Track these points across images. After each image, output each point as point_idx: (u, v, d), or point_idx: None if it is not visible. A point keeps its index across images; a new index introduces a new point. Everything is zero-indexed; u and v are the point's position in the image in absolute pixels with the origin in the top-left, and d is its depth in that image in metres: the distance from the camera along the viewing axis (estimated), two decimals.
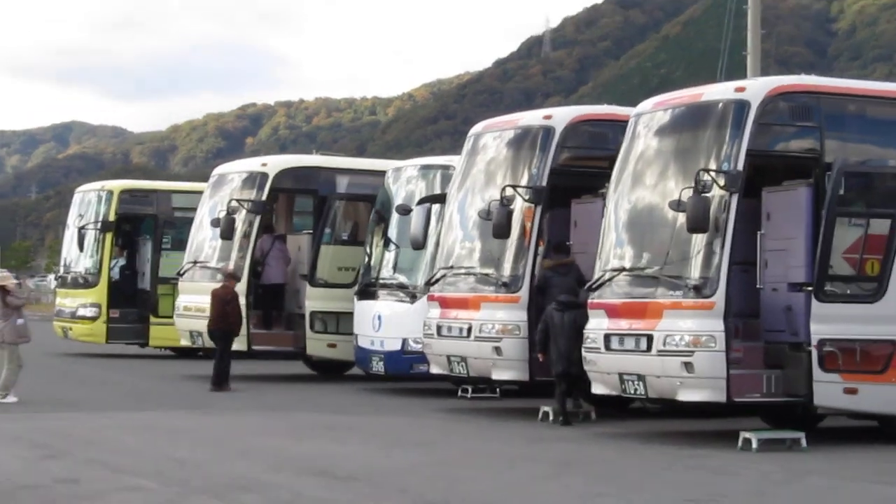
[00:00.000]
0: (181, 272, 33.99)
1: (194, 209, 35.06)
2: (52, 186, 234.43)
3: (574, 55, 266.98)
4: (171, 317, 34.85)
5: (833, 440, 20.93)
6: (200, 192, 35.79)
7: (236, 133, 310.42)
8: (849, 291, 20.03)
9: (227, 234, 31.61)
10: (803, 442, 19.77)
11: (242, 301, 30.42)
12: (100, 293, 39.22)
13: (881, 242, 20.02)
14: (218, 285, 30.40)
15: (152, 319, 38.75)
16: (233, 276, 30.41)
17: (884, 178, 20.43)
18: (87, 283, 39.69)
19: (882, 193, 20.33)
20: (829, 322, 19.62)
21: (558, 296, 22.75)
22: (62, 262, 43.55)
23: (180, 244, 36.14)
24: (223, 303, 29.55)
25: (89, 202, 40.85)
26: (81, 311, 39.23)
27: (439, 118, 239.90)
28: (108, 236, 39.49)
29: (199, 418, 23.89)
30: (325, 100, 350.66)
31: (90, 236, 39.85)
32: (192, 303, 32.57)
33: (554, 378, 22.63)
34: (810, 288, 19.63)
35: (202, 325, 31.56)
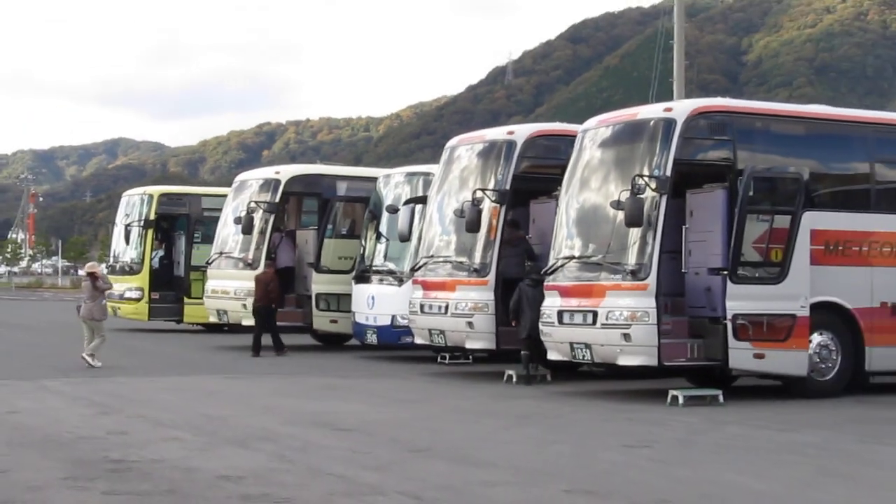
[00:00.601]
0: (209, 261, 34.16)
1: (220, 209, 35.18)
2: (103, 191, 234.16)
3: (532, 82, 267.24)
4: (201, 298, 34.94)
5: (745, 396, 20.97)
6: (225, 196, 35.92)
7: (255, 147, 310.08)
8: (757, 275, 20.06)
9: (248, 229, 31.95)
10: (721, 398, 19.86)
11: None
12: (143, 279, 39.33)
13: (783, 235, 20.07)
14: (238, 272, 31.41)
15: (186, 300, 38.82)
16: (271, 263, 31.11)
17: (785, 182, 20.46)
18: (132, 270, 39.76)
19: (784, 194, 20.38)
20: (742, 300, 19.69)
21: (510, 264, 23.48)
22: (112, 254, 43.62)
23: (209, 238, 36.30)
24: (265, 284, 29.94)
25: (133, 204, 40.96)
26: (128, 294, 39.35)
27: (421, 134, 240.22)
28: (150, 232, 39.60)
29: (227, 381, 23.91)
30: (328, 119, 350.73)
31: (134, 232, 40.07)
32: (219, 286, 32.81)
33: (519, 343, 22.77)
34: (726, 272, 19.68)
35: (228, 304, 32.24)
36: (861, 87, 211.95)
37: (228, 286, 32.49)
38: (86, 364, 25.84)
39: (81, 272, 29.97)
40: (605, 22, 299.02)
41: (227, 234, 33.74)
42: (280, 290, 30.83)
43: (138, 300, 39.42)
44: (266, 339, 29.87)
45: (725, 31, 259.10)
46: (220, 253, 33.73)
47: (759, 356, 19.95)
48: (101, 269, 29.15)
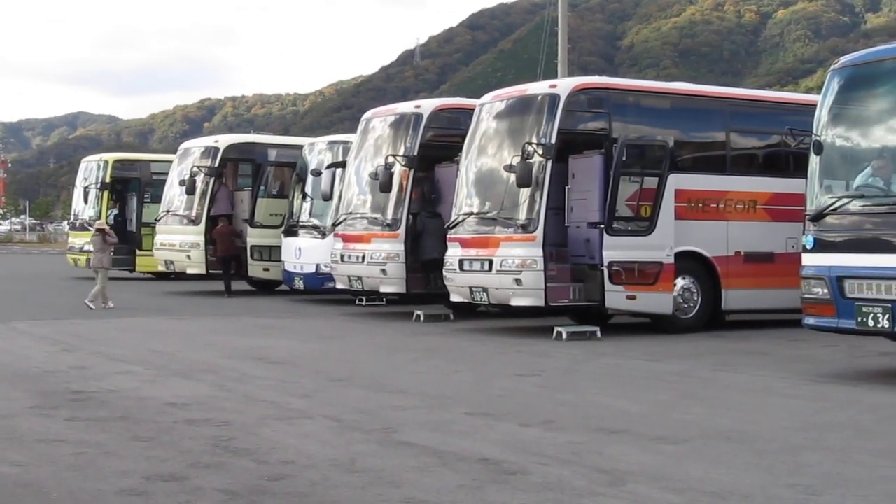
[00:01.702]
0: (158, 218, 34.24)
1: (167, 173, 35.15)
2: (65, 159, 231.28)
3: (436, 63, 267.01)
4: (151, 250, 34.94)
5: (619, 332, 21.12)
6: (171, 162, 35.71)
7: (197, 119, 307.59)
8: (629, 228, 20.17)
9: (191, 190, 32.14)
10: (598, 333, 20.00)
11: (194, 239, 31.89)
12: None
13: (652, 194, 20.22)
14: (183, 227, 32.08)
15: (138, 252, 38.50)
16: (228, 218, 31.74)
17: (653, 149, 20.61)
18: (91, 226, 39.34)
19: (652, 159, 20.50)
20: (616, 249, 19.82)
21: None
22: (73, 213, 43.25)
23: (157, 199, 36.16)
24: (228, 237, 31.30)
25: (91, 169, 40.61)
26: (87, 247, 38.95)
27: (341, 108, 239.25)
28: (105, 193, 39.36)
29: (173, 322, 23.79)
30: (261, 95, 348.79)
31: (92, 194, 39.91)
32: (167, 240, 32.94)
33: (422, 265, 23.62)
34: (602, 225, 19.80)
35: (174, 255, 32.60)
36: (718, 69, 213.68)
37: (175, 240, 32.71)
38: (104, 306, 26.67)
39: (91, 228, 30.10)
40: (499, 11, 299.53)
41: (173, 194, 33.74)
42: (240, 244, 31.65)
43: None
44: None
45: (603, 19, 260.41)
46: (168, 211, 33.74)
47: (632, 297, 20.14)
48: (106, 225, 29.95)
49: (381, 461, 9.49)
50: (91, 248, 28.73)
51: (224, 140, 34.33)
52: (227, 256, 31.59)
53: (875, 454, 9.82)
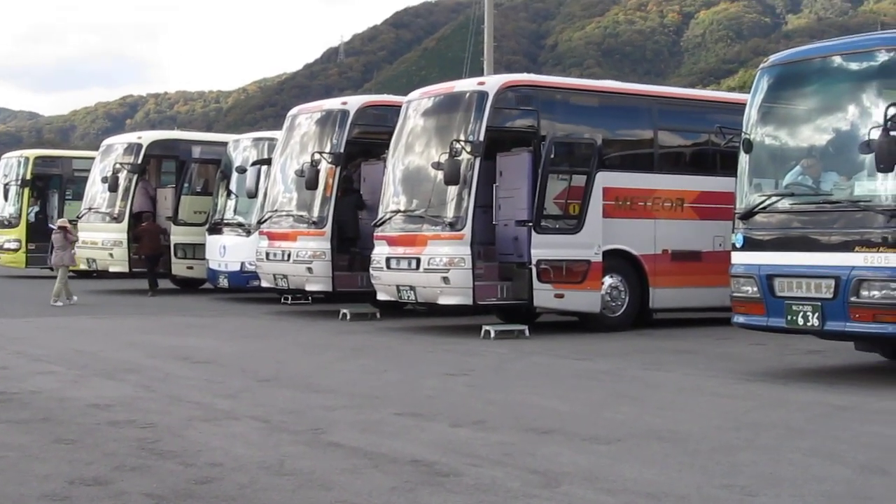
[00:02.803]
0: (80, 216, 33.59)
1: (89, 170, 34.67)
2: None
3: (360, 61, 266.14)
4: None
5: (548, 331, 21.08)
6: (93, 158, 35.21)
7: (119, 116, 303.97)
8: (557, 226, 20.13)
9: (114, 188, 31.77)
10: (527, 332, 19.95)
11: (118, 237, 31.47)
12: (20, 231, 38.45)
13: (580, 192, 20.20)
14: (105, 224, 31.57)
15: None
16: (151, 215, 31.67)
17: (581, 147, 20.58)
18: (10, 224, 38.87)
19: (580, 157, 20.48)
20: (544, 247, 19.76)
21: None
22: None
23: (79, 196, 35.53)
24: (156, 233, 31.14)
25: (12, 166, 39.88)
26: (7, 245, 38.69)
27: (265, 106, 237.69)
28: (26, 190, 38.72)
29: (96, 320, 23.42)
30: (184, 92, 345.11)
31: (13, 191, 39.23)
32: (89, 238, 32.28)
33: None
34: (530, 224, 19.73)
35: (96, 253, 32.02)
36: (641, 68, 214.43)
37: (97, 237, 32.16)
38: (66, 302, 27.11)
39: (53, 226, 29.97)
40: (423, 10, 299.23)
41: (96, 191, 33.27)
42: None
43: (16, 250, 38.60)
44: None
45: (527, 18, 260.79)
46: (90, 208, 33.27)
47: (560, 296, 20.08)
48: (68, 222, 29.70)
49: (311, 463, 9.31)
50: (54, 245, 28.68)
51: (147, 136, 33.94)
52: (153, 255, 31.25)
53: (807, 453, 9.77)
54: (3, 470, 9.06)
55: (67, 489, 8.41)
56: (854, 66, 14.41)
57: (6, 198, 39.61)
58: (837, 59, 14.67)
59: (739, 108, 20.81)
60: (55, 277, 37.43)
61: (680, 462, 9.38)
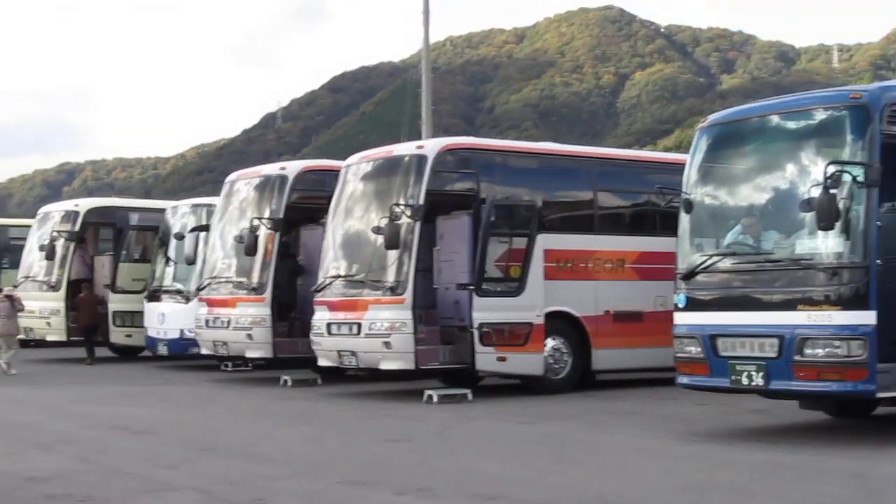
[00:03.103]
0: (16, 284, 32.89)
1: (25, 238, 34.29)
2: None
3: (298, 126, 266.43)
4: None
5: (491, 394, 20.93)
6: (30, 226, 34.92)
7: (56, 183, 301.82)
8: (499, 289, 20.06)
9: (51, 255, 31.49)
10: (470, 396, 19.84)
11: (54, 305, 31.00)
12: None
13: (521, 254, 20.17)
14: (42, 293, 30.65)
15: None
16: (89, 283, 31.17)
17: (521, 209, 20.55)
18: None
19: (521, 219, 20.42)
20: (486, 310, 19.68)
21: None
22: None
23: (16, 264, 35.13)
24: (94, 305, 30.87)
25: None
26: None
27: (203, 171, 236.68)
28: None
29: (33, 390, 23.11)
30: (121, 159, 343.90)
31: None
32: (26, 306, 31.79)
33: None
34: (472, 287, 19.66)
35: (34, 322, 31.44)
36: (578, 130, 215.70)
37: (34, 306, 31.42)
38: (9, 374, 26.76)
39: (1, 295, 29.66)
40: (361, 74, 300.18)
41: (32, 260, 32.92)
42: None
43: None
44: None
45: (464, 82, 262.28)
46: (27, 277, 32.84)
47: (502, 359, 20.00)
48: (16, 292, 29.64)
49: None
50: None
51: (84, 204, 33.70)
52: (90, 325, 31.00)
53: None
54: None
55: None
56: (792, 124, 14.48)
57: None
58: (776, 118, 14.74)
59: (678, 167, 20.91)
60: None
61: None
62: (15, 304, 27.88)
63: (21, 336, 30.51)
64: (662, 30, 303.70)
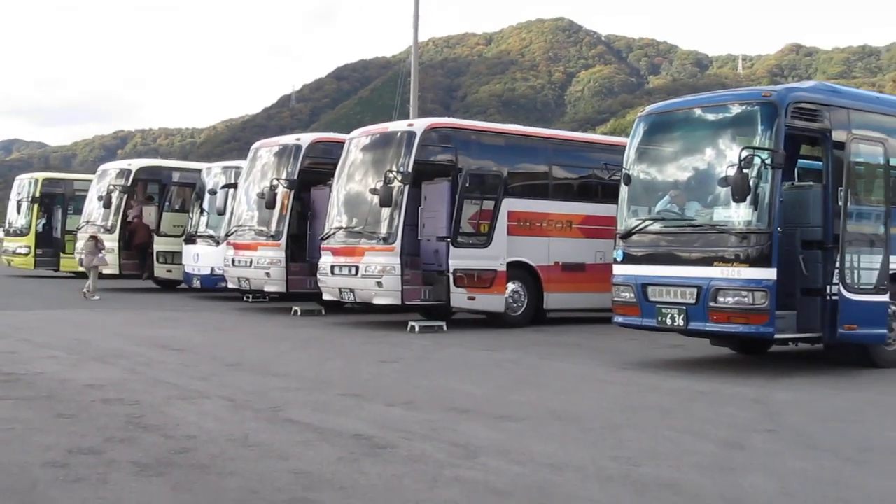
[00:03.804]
0: (79, 227, 32.84)
1: (87, 190, 33.94)
2: (1, 177, 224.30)
3: (308, 106, 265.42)
4: (73, 254, 33.80)
5: (461, 326, 20.78)
6: (90, 181, 34.55)
7: (112, 147, 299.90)
8: (471, 242, 19.87)
9: (107, 204, 31.17)
10: (445, 327, 19.72)
11: (111, 245, 30.22)
12: (30, 240, 37.64)
13: (489, 214, 20.05)
14: (101, 235, 29.93)
15: (62, 255, 37.27)
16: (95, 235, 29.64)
17: (490, 178, 20.35)
18: (22, 233, 38.09)
19: (490, 186, 20.25)
20: (460, 259, 19.53)
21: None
22: (7, 222, 41.44)
23: (79, 211, 34.72)
24: (147, 227, 31.39)
25: (23, 186, 38.96)
26: (19, 250, 37.93)
27: (231, 140, 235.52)
28: (35, 206, 37.77)
29: (91, 314, 22.76)
30: (165, 128, 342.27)
31: (24, 206, 38.29)
32: (84, 246, 31.66)
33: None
34: (449, 239, 19.50)
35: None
36: (533, 116, 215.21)
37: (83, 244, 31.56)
38: (90, 299, 26.71)
39: (84, 234, 29.54)
40: (360, 66, 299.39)
41: (92, 208, 32.50)
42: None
43: (27, 254, 37.71)
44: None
45: (443, 75, 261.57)
46: (87, 221, 32.41)
47: (472, 298, 19.88)
48: (100, 233, 29.71)
49: (270, 437, 8.97)
50: (83, 251, 28.32)
51: (136, 163, 33.41)
52: (143, 243, 31.12)
53: (679, 431, 9.58)
54: (10, 441, 8.65)
55: (66, 458, 8.01)
56: (714, 116, 14.31)
57: (19, 212, 38.79)
58: (700, 110, 14.56)
59: (616, 148, 20.93)
60: (57, 277, 37.02)
61: (575, 438, 9.16)
62: (98, 244, 27.94)
63: (104, 269, 30.33)
64: (603, 38, 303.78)
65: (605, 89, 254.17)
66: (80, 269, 32.62)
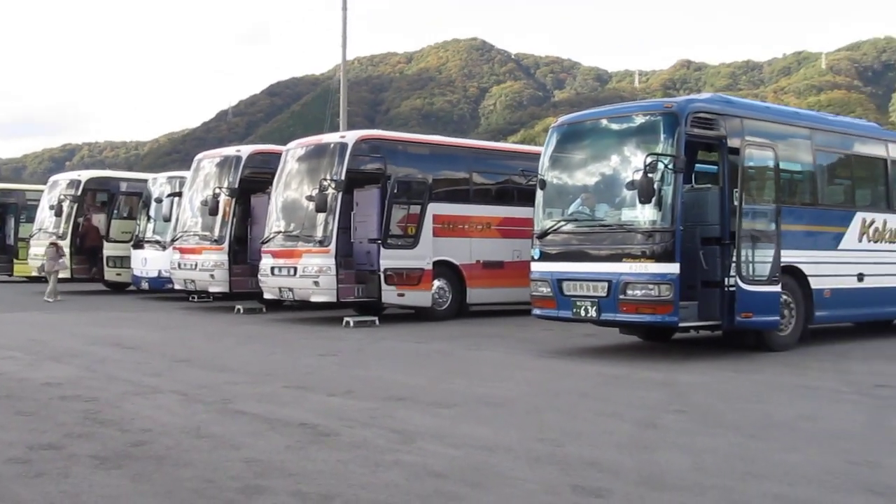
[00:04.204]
0: (31, 235, 32.36)
1: (38, 200, 33.35)
2: None
3: (244, 120, 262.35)
4: (26, 259, 33.21)
5: (392, 320, 20.64)
6: (41, 191, 34.01)
7: (61, 159, 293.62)
8: (399, 243, 19.76)
9: (59, 213, 30.69)
10: (377, 322, 19.62)
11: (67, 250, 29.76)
12: None
13: (416, 217, 20.01)
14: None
15: (15, 261, 36.38)
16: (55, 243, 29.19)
17: (417, 184, 20.28)
18: None
19: (416, 192, 20.16)
20: (390, 259, 19.45)
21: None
22: None
23: (31, 219, 34.08)
24: (97, 229, 31.03)
25: None
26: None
27: (172, 152, 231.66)
28: None
29: (45, 315, 22.22)
30: (110, 141, 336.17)
31: None
32: (38, 252, 31.05)
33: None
34: (379, 241, 19.39)
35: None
36: (450, 128, 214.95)
37: (44, 251, 30.91)
38: (51, 301, 26.45)
39: (47, 243, 28.86)
40: (291, 83, 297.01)
41: (44, 216, 31.96)
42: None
43: None
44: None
45: (368, 90, 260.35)
46: (39, 229, 31.91)
47: (401, 295, 19.80)
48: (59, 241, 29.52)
49: (222, 428, 8.77)
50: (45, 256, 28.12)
51: (85, 174, 32.88)
52: (95, 246, 30.74)
53: (596, 413, 9.56)
54: None
55: (28, 454, 7.74)
56: (621, 126, 14.34)
57: None
58: (608, 121, 14.59)
59: (528, 156, 20.90)
60: (10, 282, 36.14)
61: (503, 422, 9.08)
62: (59, 251, 27.89)
63: (34, 273, 29.65)
64: (513, 56, 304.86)
65: (515, 103, 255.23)
66: (34, 274, 32.08)
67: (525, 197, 21.32)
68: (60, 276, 29.49)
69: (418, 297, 20.09)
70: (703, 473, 7.09)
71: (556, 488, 6.72)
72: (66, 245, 30.03)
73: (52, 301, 26.38)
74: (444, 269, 20.68)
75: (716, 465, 7.33)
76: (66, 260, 28.97)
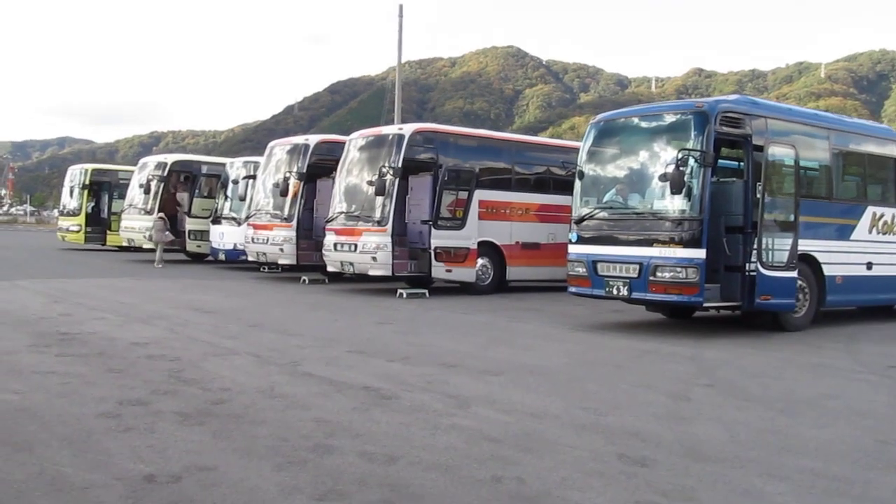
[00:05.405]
0: (123, 209, 32.38)
1: (129, 179, 33.48)
2: (56, 167, 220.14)
3: (308, 114, 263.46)
4: (117, 231, 33.17)
5: (441, 293, 20.27)
6: (132, 172, 33.98)
7: (148, 144, 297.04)
8: (448, 225, 19.35)
9: (147, 191, 30.84)
10: (427, 294, 19.26)
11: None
12: (81, 219, 36.67)
13: (463, 203, 19.59)
14: (141, 216, 29.90)
15: (108, 232, 36.38)
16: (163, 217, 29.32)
17: (465, 173, 19.82)
18: (74, 213, 37.12)
19: (464, 180, 19.73)
20: (439, 238, 19.08)
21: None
22: (62, 204, 40.21)
23: (123, 196, 34.23)
24: (175, 204, 31.05)
25: (75, 175, 37.82)
26: (72, 228, 37.02)
27: (245, 141, 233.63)
28: (85, 191, 36.76)
29: (134, 281, 22.00)
30: (191, 130, 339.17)
31: (76, 191, 37.31)
32: (129, 224, 31.31)
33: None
34: (431, 222, 19.01)
35: (134, 235, 31.10)
36: (486, 125, 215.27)
37: (135, 224, 31.04)
38: (158, 268, 26.77)
39: (155, 217, 28.79)
40: (350, 82, 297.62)
41: (134, 194, 31.91)
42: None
43: (78, 231, 36.80)
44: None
45: (416, 90, 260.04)
46: (130, 205, 31.90)
47: (449, 270, 19.41)
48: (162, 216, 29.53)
49: (293, 389, 8.45)
50: (153, 228, 28.42)
51: (171, 157, 32.63)
52: (172, 215, 30.61)
53: (633, 384, 9.15)
54: (68, 394, 8.07)
55: (117, 408, 7.46)
56: (654, 123, 13.84)
57: (71, 196, 37.86)
58: (642, 119, 14.09)
59: (565, 150, 20.37)
60: (104, 251, 36.26)
61: (548, 389, 8.70)
62: (165, 223, 28.26)
63: (125, 243, 29.58)
64: (544, 62, 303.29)
65: (545, 104, 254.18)
66: (124, 244, 32.05)
67: (560, 186, 20.89)
68: (145, 246, 29.48)
69: (464, 273, 19.70)
70: (741, 446, 6.67)
71: (602, 456, 6.33)
72: (152, 220, 29.95)
73: (161, 267, 26.53)
74: (487, 248, 20.26)
75: (750, 439, 6.91)
76: (170, 233, 28.97)
